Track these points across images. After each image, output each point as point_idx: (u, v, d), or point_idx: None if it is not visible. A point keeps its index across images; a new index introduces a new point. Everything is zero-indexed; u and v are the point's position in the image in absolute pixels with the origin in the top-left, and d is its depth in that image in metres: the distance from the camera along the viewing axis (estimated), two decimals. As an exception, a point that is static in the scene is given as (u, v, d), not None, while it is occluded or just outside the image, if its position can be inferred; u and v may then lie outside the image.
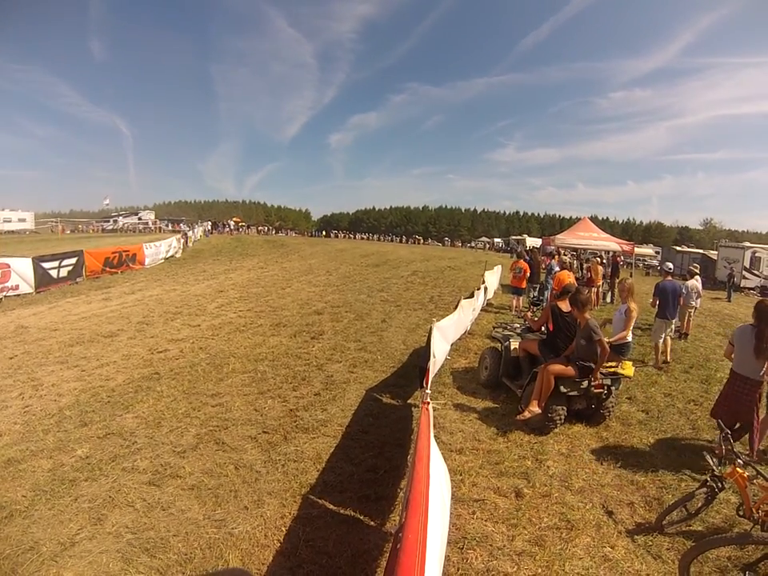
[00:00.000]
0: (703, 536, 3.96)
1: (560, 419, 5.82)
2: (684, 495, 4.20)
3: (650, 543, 3.97)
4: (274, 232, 71.27)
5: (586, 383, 5.83)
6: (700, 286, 11.46)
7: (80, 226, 54.41)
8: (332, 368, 8.14)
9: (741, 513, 3.90)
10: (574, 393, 5.83)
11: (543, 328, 6.97)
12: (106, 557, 3.56)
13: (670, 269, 10.75)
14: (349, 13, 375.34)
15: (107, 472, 4.69)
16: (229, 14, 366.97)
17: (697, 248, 46.33)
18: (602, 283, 16.14)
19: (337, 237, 77.83)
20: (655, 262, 40.68)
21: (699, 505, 4.12)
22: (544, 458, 5.25)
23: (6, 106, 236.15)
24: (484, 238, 77.44)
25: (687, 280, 11.18)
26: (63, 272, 16.55)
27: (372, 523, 4.04)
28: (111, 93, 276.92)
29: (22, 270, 14.60)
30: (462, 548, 3.76)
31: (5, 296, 13.79)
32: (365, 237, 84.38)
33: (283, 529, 3.91)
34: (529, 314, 7.65)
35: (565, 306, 6.39)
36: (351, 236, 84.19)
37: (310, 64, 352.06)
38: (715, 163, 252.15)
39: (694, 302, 11.27)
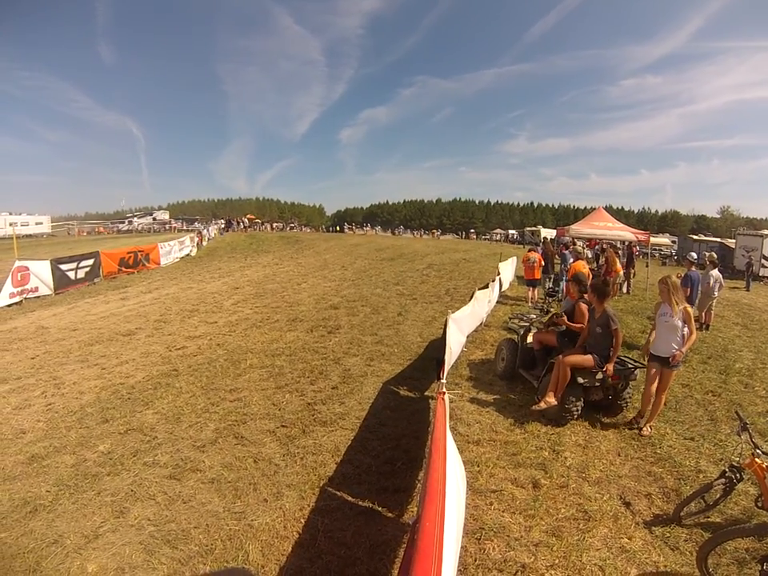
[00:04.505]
0: (721, 527, 3.92)
1: (577, 410, 5.79)
2: (702, 486, 4.16)
3: (668, 534, 3.95)
4: (288, 228, 70.66)
5: (602, 374, 5.80)
6: (721, 276, 11.35)
7: (98, 228, 55.03)
8: (349, 362, 8.18)
9: (759, 504, 3.86)
10: (591, 384, 5.80)
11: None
12: (128, 548, 3.64)
13: (695, 259, 10.65)
14: (354, 8, 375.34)
15: (129, 467, 4.79)
16: (234, 14, 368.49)
17: (714, 236, 45.65)
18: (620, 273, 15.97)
19: (352, 230, 73.67)
20: (672, 252, 40.23)
21: (717, 496, 4.08)
22: (561, 448, 5.24)
23: (19, 113, 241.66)
24: (498, 230, 76.67)
25: (708, 269, 11.08)
26: (81, 273, 16.76)
27: (390, 515, 4.07)
28: (122, 96, 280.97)
29: (40, 273, 14.81)
30: (480, 538, 3.78)
31: (25, 298, 14.01)
32: (374, 230, 79.08)
33: (302, 520, 3.96)
34: (564, 318, 7.08)
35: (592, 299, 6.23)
36: (366, 229, 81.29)
37: (318, 60, 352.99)
38: (730, 149, 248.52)
39: (716, 293, 11.14)
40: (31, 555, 3.57)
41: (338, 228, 74.61)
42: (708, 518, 4.16)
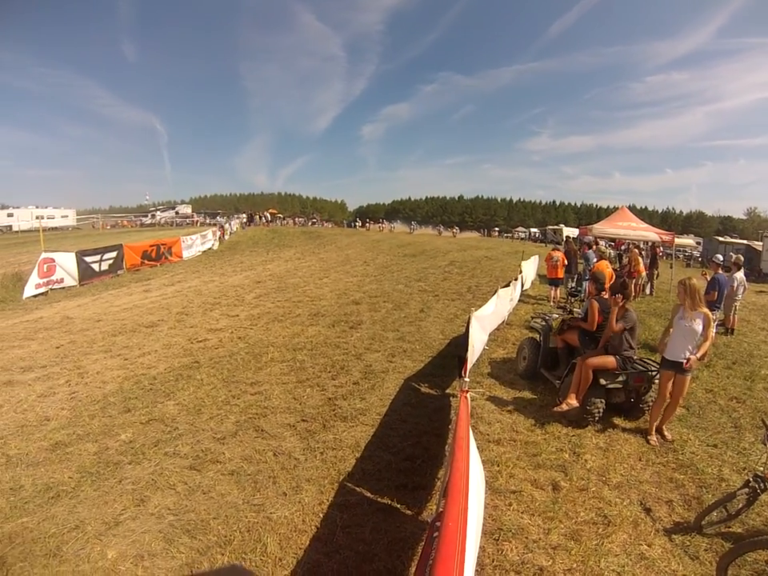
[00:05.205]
0: (742, 538, 3.83)
1: (598, 412, 5.72)
2: (725, 495, 4.07)
3: (688, 543, 3.87)
4: (310, 224, 69.85)
5: (625, 376, 5.73)
6: (744, 279, 11.13)
7: (121, 222, 55.81)
8: (370, 357, 8.20)
9: None
10: (614, 385, 5.73)
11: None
12: (148, 536, 3.70)
13: (722, 261, 10.43)
14: (374, 4, 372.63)
15: (150, 456, 4.86)
16: (254, 11, 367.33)
17: (740, 238, 44.66)
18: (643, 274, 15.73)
19: (365, 227, 65.52)
20: (696, 253, 39.50)
21: (740, 506, 3.96)
22: (582, 451, 5.18)
23: (45, 110, 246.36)
24: (521, 228, 75.57)
25: (732, 272, 10.85)
26: (105, 265, 17.09)
27: (408, 512, 4.06)
28: (145, 93, 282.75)
29: (66, 264, 15.16)
30: (498, 539, 3.75)
31: (51, 289, 14.32)
32: (391, 227, 67.40)
33: (320, 515, 3.98)
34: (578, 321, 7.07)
35: (605, 295, 6.30)
36: (381, 224, 75.23)
37: (339, 57, 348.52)
38: (758, 149, 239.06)
39: (740, 296, 10.92)
40: (52, 540, 3.64)
41: (358, 224, 71.66)
42: (729, 527, 4.06)
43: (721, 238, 41.42)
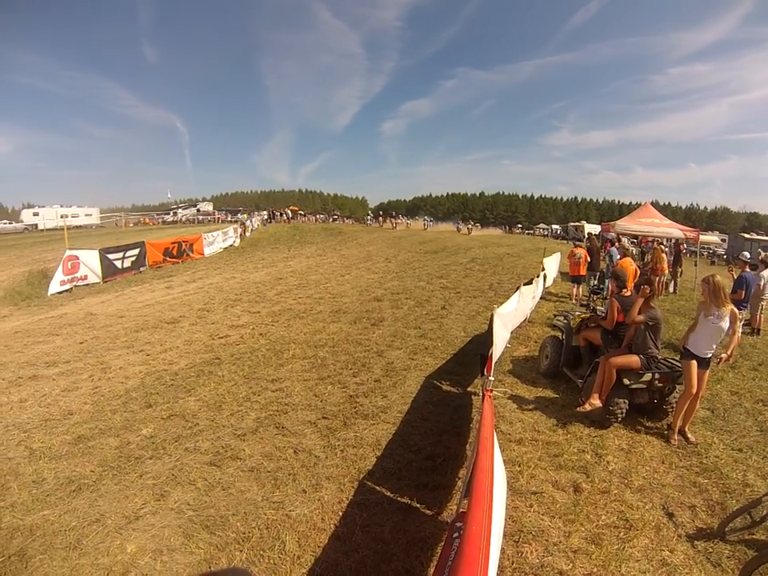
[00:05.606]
0: (767, 546, 3.73)
1: (621, 413, 5.62)
2: (749, 501, 3.98)
3: (711, 550, 3.76)
4: (331, 220, 69.76)
5: (649, 375, 5.62)
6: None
7: (144, 219, 56.44)
8: (392, 355, 8.16)
9: None
10: (638, 385, 5.63)
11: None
12: (167, 531, 3.73)
13: (749, 258, 10.20)
14: (391, 0, 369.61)
15: (170, 451, 4.90)
16: (272, 10, 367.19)
17: (767, 235, 43.64)
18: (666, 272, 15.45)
19: (378, 223, 59.29)
20: (721, 251, 38.75)
21: (765, 512, 3.86)
22: (604, 452, 5.10)
23: (68, 112, 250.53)
24: (542, 225, 74.81)
25: (759, 270, 10.59)
26: (127, 262, 17.38)
27: (429, 512, 4.03)
28: (165, 93, 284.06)
29: (89, 262, 15.46)
30: (518, 541, 3.70)
31: (75, 286, 14.60)
32: (407, 223, 61.71)
33: (340, 513, 3.96)
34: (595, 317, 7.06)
35: (627, 293, 6.26)
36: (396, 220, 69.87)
37: (358, 53, 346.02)
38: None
39: (767, 295, 10.66)
40: (73, 533, 3.69)
41: (369, 217, 68.88)
42: (753, 534, 3.95)
43: (747, 235, 40.62)
